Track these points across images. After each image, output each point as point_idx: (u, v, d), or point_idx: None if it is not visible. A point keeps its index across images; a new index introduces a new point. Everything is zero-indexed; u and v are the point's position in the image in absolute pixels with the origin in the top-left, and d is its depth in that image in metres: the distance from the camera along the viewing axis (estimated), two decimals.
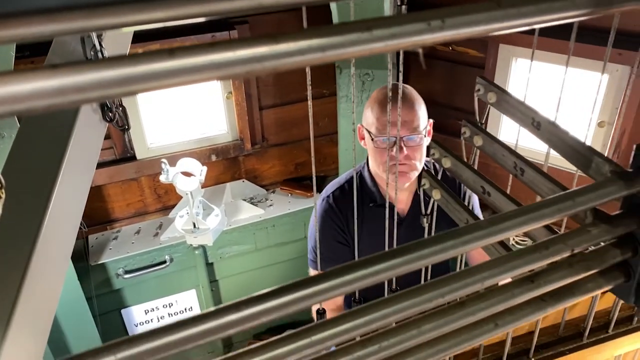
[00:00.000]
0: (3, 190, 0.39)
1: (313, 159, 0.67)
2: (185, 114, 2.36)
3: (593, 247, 0.44)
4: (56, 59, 0.90)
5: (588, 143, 0.46)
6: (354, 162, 1.35)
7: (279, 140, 2.52)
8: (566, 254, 0.41)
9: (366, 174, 1.46)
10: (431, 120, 1.37)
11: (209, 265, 2.50)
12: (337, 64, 2.17)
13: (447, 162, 0.57)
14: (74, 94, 0.22)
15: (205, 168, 2.00)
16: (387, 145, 1.29)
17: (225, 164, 2.49)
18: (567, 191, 0.40)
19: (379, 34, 0.25)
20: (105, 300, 2.38)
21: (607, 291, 0.69)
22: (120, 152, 2.28)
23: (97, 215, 2.39)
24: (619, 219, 0.43)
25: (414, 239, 0.36)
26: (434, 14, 0.27)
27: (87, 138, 0.95)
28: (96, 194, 2.33)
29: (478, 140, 0.56)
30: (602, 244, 0.45)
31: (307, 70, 0.54)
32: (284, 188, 2.58)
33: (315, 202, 1.31)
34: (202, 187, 2.07)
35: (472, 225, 0.37)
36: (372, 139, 1.32)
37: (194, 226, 2.07)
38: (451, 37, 0.27)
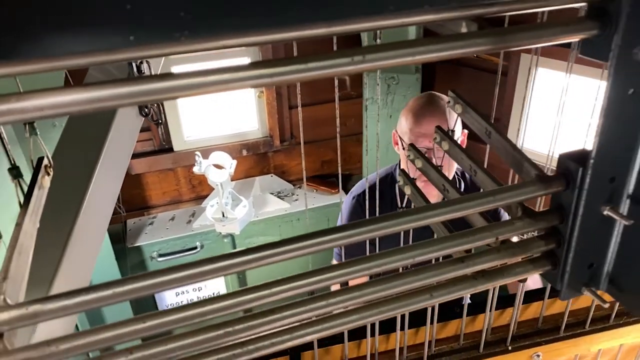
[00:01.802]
0: (51, 169, 0.51)
1: (339, 158, 0.76)
2: (219, 111, 2.50)
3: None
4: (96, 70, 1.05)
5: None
6: (376, 162, 1.44)
7: (307, 138, 2.64)
8: (491, 241, 0.50)
9: (398, 176, 1.55)
10: (465, 131, 1.43)
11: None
12: None
13: (419, 163, 0.67)
14: (115, 101, 0.32)
15: (235, 162, 2.13)
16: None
17: (255, 159, 2.63)
18: (493, 189, 0.49)
19: (313, 65, 0.36)
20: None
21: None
22: (159, 143, 2.45)
23: (136, 202, 2.57)
24: (542, 215, 0.52)
25: None
26: (357, 51, 0.37)
27: (125, 129, 1.08)
28: (136, 182, 2.51)
29: (445, 145, 0.66)
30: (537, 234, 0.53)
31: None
32: (309, 184, 2.69)
33: (342, 199, 1.41)
34: (232, 180, 2.21)
35: (406, 212, 0.47)
36: (403, 148, 1.40)
37: (223, 215, 2.21)
38: (370, 67, 0.37)
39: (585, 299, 0.98)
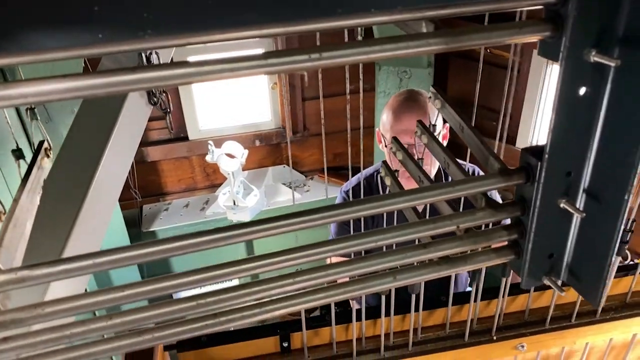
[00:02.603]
0: (50, 152, 0.56)
1: (350, 151, 0.79)
2: (234, 102, 2.55)
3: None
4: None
5: None
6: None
7: (319, 130, 2.67)
8: (452, 229, 0.53)
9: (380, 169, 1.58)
10: (447, 125, 1.46)
11: (248, 242, 2.69)
12: (377, 62, 2.29)
13: (399, 156, 0.70)
14: (123, 86, 0.36)
15: (246, 151, 2.18)
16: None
17: (268, 150, 2.67)
18: (457, 180, 0.52)
19: (272, 61, 0.39)
20: (154, 265, 2.63)
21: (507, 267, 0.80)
22: (172, 131, 2.51)
23: (152, 188, 2.64)
24: (504, 207, 0.54)
25: None
26: (314, 49, 0.40)
27: (134, 117, 1.13)
28: (152, 169, 2.58)
29: (424, 139, 0.68)
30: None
31: (346, 68, 0.69)
32: (321, 176, 2.73)
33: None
34: (244, 170, 2.26)
35: (375, 197, 0.50)
36: (385, 145, 1.44)
37: (234, 204, 2.26)
38: (325, 64, 0.40)
39: (573, 294, 1.00)
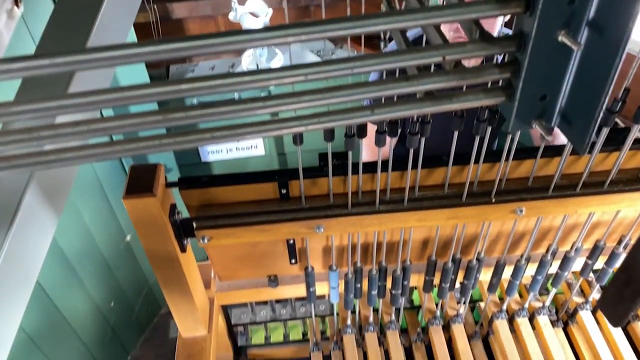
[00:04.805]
0: (21, 2, 0.53)
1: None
2: None
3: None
4: None
5: None
6: None
7: None
8: (438, 60, 0.49)
9: None
10: None
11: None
12: None
13: None
14: None
15: (270, 10, 2.08)
16: None
17: (296, 13, 2.55)
18: (447, 4, 0.47)
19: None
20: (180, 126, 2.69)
21: (495, 110, 0.77)
22: None
23: None
24: (498, 40, 0.50)
25: None
26: None
27: None
28: (178, 28, 2.52)
29: None
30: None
31: None
32: (353, 45, 2.62)
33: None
34: None
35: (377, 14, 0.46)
36: None
37: (257, 67, 2.22)
38: None
39: (581, 164, 0.97)
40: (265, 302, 1.42)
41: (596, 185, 0.96)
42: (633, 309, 0.46)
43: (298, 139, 0.84)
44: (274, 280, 1.21)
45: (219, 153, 2.99)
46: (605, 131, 0.88)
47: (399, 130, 0.87)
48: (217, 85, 0.47)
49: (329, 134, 0.83)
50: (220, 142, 0.50)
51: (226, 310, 1.37)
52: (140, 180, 0.85)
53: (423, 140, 0.85)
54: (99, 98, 0.46)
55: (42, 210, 0.66)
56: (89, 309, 2.21)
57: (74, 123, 0.47)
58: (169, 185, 0.90)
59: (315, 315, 1.36)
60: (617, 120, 0.88)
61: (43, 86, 0.68)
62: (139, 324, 2.68)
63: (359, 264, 1.12)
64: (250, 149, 3.01)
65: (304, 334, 1.54)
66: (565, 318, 1.35)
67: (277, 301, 1.44)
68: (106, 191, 2.16)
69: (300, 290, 1.21)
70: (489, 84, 0.76)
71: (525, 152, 0.94)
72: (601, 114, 0.47)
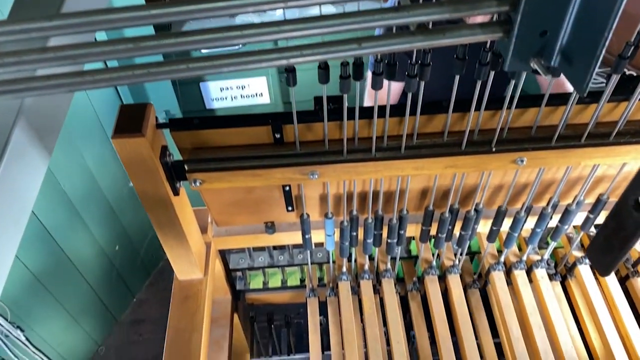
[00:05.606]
0: None
1: None
2: None
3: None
4: None
5: None
6: None
7: None
8: None
9: None
10: None
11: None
12: None
13: None
14: None
15: None
16: None
17: None
18: None
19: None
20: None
21: (490, 49, 0.73)
22: None
23: None
24: None
25: None
26: None
27: None
28: None
29: None
30: None
31: None
32: None
33: None
34: None
35: None
36: None
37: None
38: None
39: (587, 115, 0.93)
40: (262, 249, 1.43)
41: (602, 136, 0.92)
42: (621, 257, 0.44)
43: (291, 80, 0.81)
44: (270, 227, 1.21)
45: (224, 100, 2.95)
46: (615, 78, 0.83)
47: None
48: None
49: (324, 76, 0.79)
50: (196, 74, 0.48)
51: (224, 255, 1.38)
52: (130, 120, 0.83)
53: (422, 84, 0.82)
54: (92, 19, 0.43)
55: (33, 144, 0.65)
56: (93, 251, 2.25)
57: (60, 47, 0.44)
58: (159, 126, 0.88)
59: (313, 263, 1.36)
60: (627, 69, 0.83)
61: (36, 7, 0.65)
62: (144, 268, 2.74)
63: (354, 213, 1.11)
64: (256, 97, 2.97)
65: (302, 280, 1.55)
66: (563, 272, 1.35)
67: (275, 247, 1.44)
68: (108, 135, 2.15)
69: (297, 238, 1.21)
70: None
71: (530, 99, 0.90)
72: (603, 52, 0.43)
